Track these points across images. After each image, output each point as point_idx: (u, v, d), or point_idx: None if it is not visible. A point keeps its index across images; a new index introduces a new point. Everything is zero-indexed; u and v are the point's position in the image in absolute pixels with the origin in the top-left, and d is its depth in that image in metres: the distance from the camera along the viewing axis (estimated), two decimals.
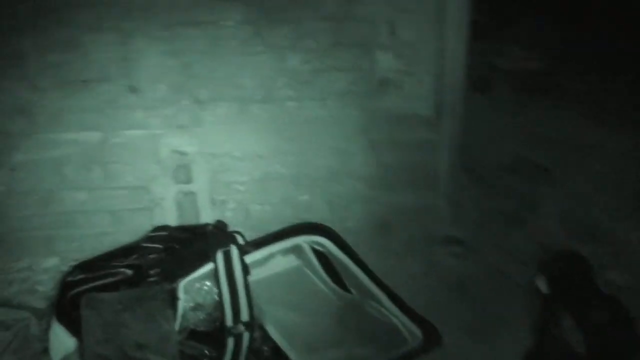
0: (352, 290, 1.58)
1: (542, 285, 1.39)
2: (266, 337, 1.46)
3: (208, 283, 1.49)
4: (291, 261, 1.66)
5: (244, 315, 1.43)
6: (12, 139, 1.59)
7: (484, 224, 1.84)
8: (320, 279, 1.62)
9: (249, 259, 1.54)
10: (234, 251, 1.51)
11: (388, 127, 1.75)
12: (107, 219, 1.69)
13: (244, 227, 1.63)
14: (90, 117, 1.60)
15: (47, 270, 1.65)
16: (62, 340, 1.36)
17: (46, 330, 1.39)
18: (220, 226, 1.59)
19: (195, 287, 1.48)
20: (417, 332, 1.45)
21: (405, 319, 1.49)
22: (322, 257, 1.64)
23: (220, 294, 1.46)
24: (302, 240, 1.65)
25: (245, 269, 1.50)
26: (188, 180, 1.68)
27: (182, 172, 1.67)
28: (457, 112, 1.79)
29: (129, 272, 1.46)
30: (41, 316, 1.44)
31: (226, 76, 1.62)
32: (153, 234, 1.58)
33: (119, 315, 1.33)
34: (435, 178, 1.83)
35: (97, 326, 1.31)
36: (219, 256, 1.49)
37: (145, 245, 1.52)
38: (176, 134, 1.64)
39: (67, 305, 1.39)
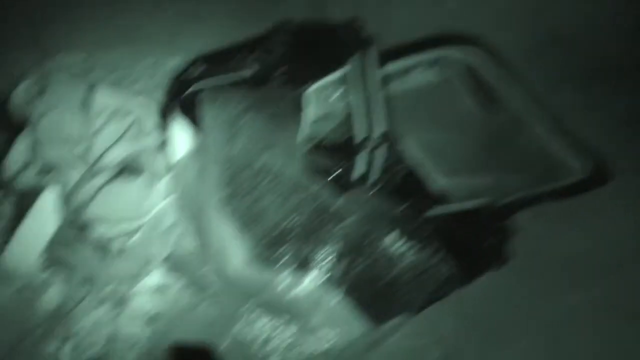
0: (507, 112, 1.34)
1: None
2: (402, 154, 1.29)
3: (340, 90, 1.32)
4: (435, 75, 1.42)
5: (379, 128, 1.26)
6: None
7: None
8: (468, 97, 1.39)
9: (387, 69, 1.34)
10: (371, 55, 1.31)
11: None
12: (232, 15, 1.51)
13: (382, 35, 1.41)
14: None
15: (173, 69, 1.54)
16: (181, 138, 1.27)
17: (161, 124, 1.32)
18: (356, 25, 1.36)
19: (325, 94, 1.31)
20: (582, 164, 1.22)
21: (567, 148, 1.25)
22: (472, 72, 1.39)
23: (352, 103, 1.29)
24: (450, 52, 1.40)
25: (383, 78, 1.31)
26: None
27: None
28: None
29: (253, 69, 1.31)
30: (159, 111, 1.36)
31: None
32: (280, 28, 1.39)
33: (241, 114, 1.20)
34: None
35: (218, 125, 1.19)
36: (353, 60, 1.30)
37: (271, 39, 1.34)
38: None
39: (186, 101, 1.28)
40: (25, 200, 1.17)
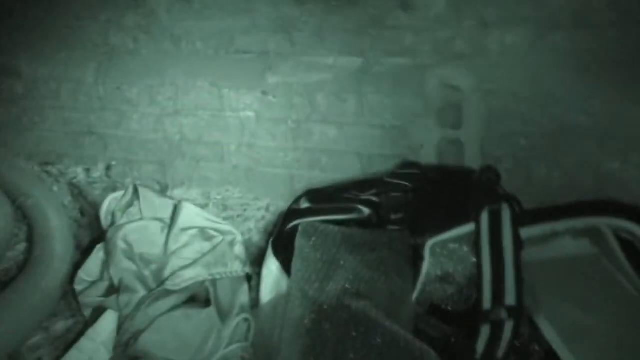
0: None
1: None
2: (537, 335, 1.04)
3: (465, 248, 1.13)
4: (584, 247, 1.20)
5: (510, 299, 1.05)
6: (266, 59, 1.43)
7: None
8: (625, 276, 1.13)
9: (524, 232, 1.14)
10: (506, 213, 1.13)
11: None
12: (356, 164, 1.41)
13: (522, 195, 1.22)
14: (351, 39, 1.36)
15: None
16: (274, 276, 1.12)
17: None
18: (490, 175, 1.19)
19: (447, 251, 1.13)
20: None
21: None
22: (631, 248, 1.16)
23: (479, 266, 1.09)
24: (603, 222, 1.18)
25: (518, 242, 1.12)
26: (456, 125, 1.32)
27: (450, 114, 1.32)
28: None
29: (365, 210, 1.17)
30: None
31: None
32: (401, 171, 1.25)
33: (340, 254, 1.04)
34: None
35: (311, 261, 1.04)
36: (484, 216, 1.13)
37: (389, 180, 1.21)
38: (449, 65, 1.30)
39: (285, 236, 1.14)
40: (89, 320, 1.05)
